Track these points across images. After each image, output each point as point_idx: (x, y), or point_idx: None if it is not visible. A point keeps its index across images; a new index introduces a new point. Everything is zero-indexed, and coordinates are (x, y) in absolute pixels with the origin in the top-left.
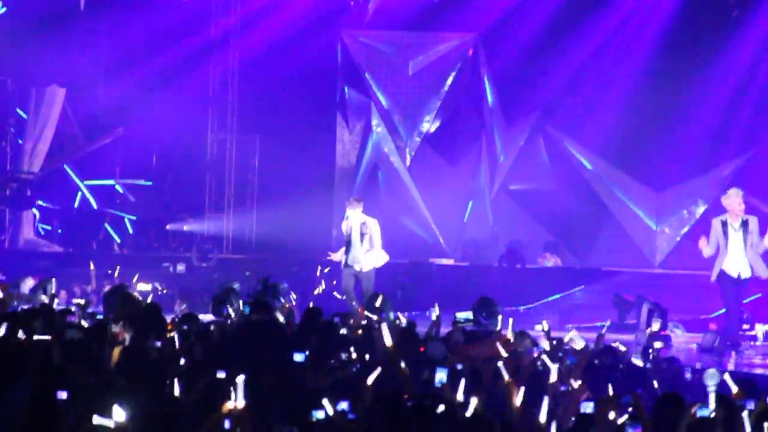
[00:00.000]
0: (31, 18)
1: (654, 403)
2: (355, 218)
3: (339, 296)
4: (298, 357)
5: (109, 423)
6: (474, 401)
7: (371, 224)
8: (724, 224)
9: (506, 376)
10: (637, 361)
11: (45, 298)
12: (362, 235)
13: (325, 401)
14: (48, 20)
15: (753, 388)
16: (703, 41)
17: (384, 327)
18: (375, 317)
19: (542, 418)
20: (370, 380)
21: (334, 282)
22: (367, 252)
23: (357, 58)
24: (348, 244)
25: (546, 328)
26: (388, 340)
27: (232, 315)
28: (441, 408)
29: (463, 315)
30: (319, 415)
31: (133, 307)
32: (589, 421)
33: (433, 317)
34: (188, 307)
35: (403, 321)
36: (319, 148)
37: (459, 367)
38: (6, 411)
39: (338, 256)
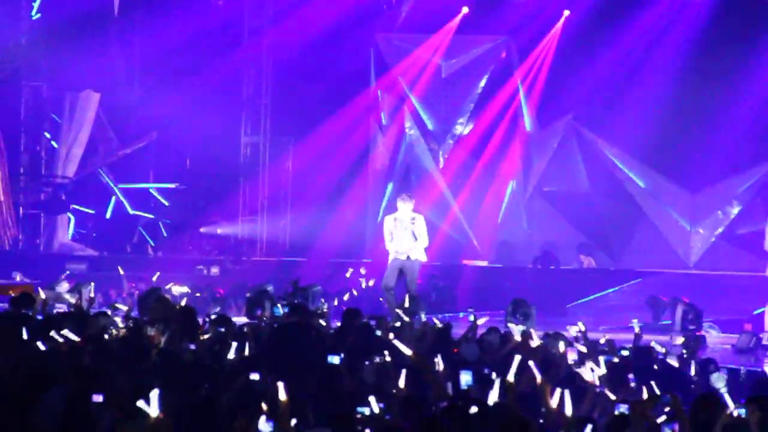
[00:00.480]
0: (66, 24)
1: (691, 404)
2: (405, 213)
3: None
4: (334, 359)
5: (150, 410)
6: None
7: (419, 220)
8: None
9: (538, 377)
10: (673, 362)
11: (75, 300)
12: (411, 228)
13: (371, 398)
14: (82, 26)
15: None
16: (738, 41)
17: (397, 342)
18: (407, 319)
19: (568, 411)
20: (401, 382)
21: (363, 284)
22: (414, 243)
23: (390, 60)
24: (394, 240)
25: (582, 329)
26: (406, 351)
27: (266, 317)
28: (474, 409)
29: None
30: (365, 411)
31: (168, 309)
32: (625, 422)
33: (471, 318)
34: (222, 310)
35: (437, 323)
36: (352, 151)
37: (486, 371)
38: (42, 414)
39: (392, 247)
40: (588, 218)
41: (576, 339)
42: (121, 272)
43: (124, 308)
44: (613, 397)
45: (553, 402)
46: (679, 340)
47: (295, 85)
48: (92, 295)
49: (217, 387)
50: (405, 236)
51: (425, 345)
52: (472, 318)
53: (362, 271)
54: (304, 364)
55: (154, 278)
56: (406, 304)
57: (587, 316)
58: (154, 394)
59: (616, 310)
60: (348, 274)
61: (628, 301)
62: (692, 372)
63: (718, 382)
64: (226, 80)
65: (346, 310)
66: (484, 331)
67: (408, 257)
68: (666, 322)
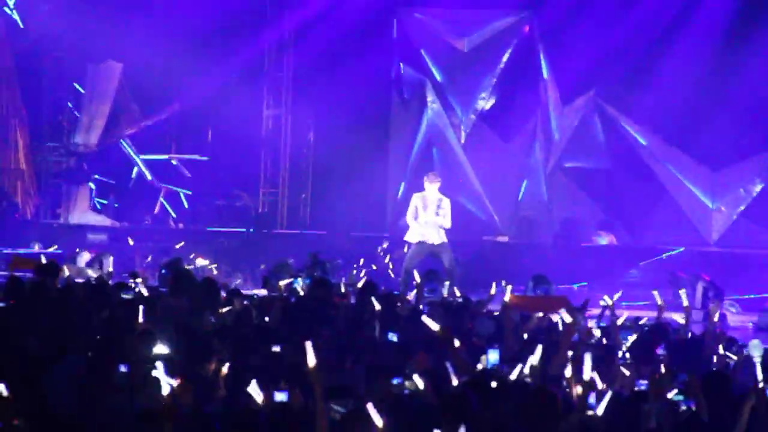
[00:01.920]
0: None
1: (702, 381)
2: (432, 193)
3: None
4: (393, 337)
5: (168, 381)
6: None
7: (446, 202)
8: None
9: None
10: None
11: (96, 273)
12: (438, 209)
13: (415, 377)
14: None
15: None
16: (762, 13)
17: (425, 318)
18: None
19: (586, 375)
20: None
21: (389, 262)
22: (440, 227)
23: (412, 34)
24: (420, 220)
25: (610, 303)
26: (434, 326)
27: (300, 290)
28: (494, 383)
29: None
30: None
31: (190, 281)
32: (643, 398)
33: (492, 292)
34: (243, 282)
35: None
36: (374, 125)
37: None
38: (59, 382)
39: (415, 227)
40: (609, 195)
41: (602, 314)
42: (131, 243)
43: (140, 279)
44: (627, 372)
45: (586, 375)
46: (713, 308)
47: (317, 58)
48: (111, 269)
49: (237, 358)
50: (432, 217)
51: (442, 319)
52: (509, 287)
53: (384, 247)
54: (321, 337)
55: (178, 246)
56: (426, 280)
57: (607, 293)
58: (160, 366)
59: (636, 287)
60: (380, 251)
61: (649, 278)
62: (719, 350)
63: (755, 350)
64: (249, 52)
65: (363, 284)
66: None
67: (433, 243)
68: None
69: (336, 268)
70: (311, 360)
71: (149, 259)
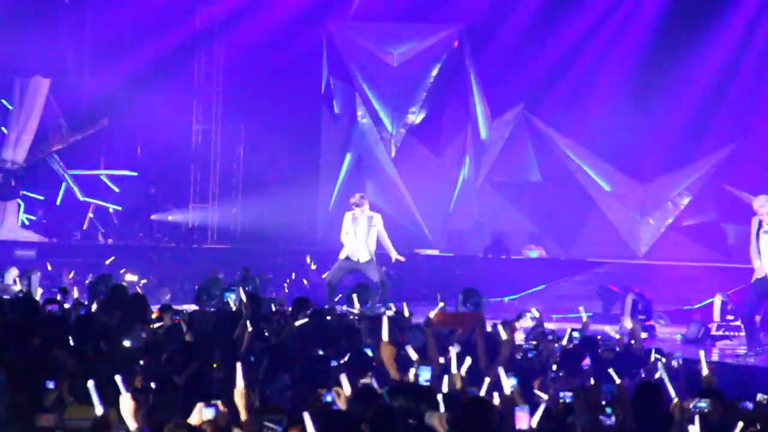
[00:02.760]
0: (15, 8)
1: (633, 392)
2: (362, 214)
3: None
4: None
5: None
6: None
7: (377, 219)
8: (760, 224)
9: (507, 386)
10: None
11: (24, 289)
12: (369, 228)
13: (344, 382)
14: (32, 10)
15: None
16: (688, 31)
17: (385, 320)
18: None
19: (506, 389)
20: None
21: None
22: (369, 245)
23: (342, 49)
24: (350, 238)
25: (537, 315)
26: (385, 335)
27: (232, 304)
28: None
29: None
30: (328, 398)
31: (121, 296)
32: (569, 410)
33: (441, 303)
34: (172, 297)
35: (406, 311)
36: (304, 139)
37: (441, 360)
38: None
39: (349, 244)
40: (538, 208)
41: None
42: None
43: (76, 295)
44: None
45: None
46: (628, 323)
47: (247, 71)
48: (38, 283)
49: (167, 373)
50: (362, 236)
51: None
52: (441, 304)
53: (308, 260)
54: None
55: (107, 262)
56: (357, 293)
57: (537, 306)
58: (91, 385)
59: (566, 300)
60: (313, 266)
61: (579, 291)
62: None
63: (659, 369)
64: (178, 66)
65: (295, 299)
66: None
67: (358, 260)
68: (616, 312)
69: (266, 282)
70: (240, 383)
71: (71, 274)
